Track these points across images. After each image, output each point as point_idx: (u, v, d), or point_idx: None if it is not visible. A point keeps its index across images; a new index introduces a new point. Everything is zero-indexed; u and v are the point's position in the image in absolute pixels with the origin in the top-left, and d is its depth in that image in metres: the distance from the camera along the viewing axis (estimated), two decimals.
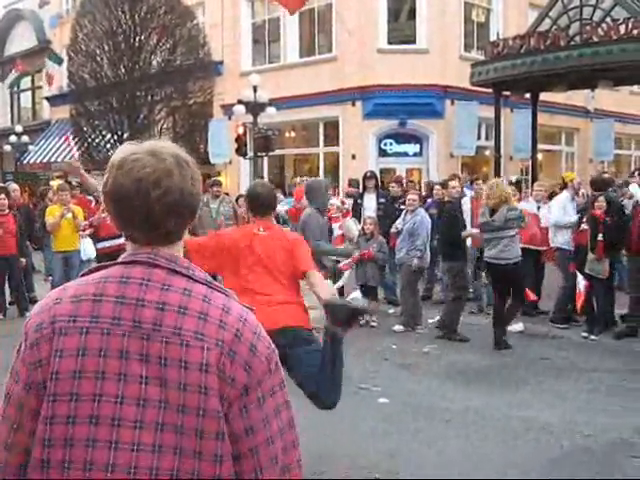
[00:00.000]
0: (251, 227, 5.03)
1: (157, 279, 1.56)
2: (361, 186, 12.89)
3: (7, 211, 11.08)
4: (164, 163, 1.59)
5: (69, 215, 11.07)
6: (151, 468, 1.45)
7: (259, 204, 5.02)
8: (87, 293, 1.56)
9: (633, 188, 11.58)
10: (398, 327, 9.96)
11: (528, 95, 18.47)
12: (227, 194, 13.53)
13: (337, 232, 10.56)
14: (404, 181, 14.81)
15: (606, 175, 12.35)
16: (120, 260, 1.64)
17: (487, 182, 10.26)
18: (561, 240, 10.02)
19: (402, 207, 11.22)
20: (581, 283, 9.10)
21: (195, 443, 1.46)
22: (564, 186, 12.12)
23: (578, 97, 22.00)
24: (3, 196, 11.20)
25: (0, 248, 10.77)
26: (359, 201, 12.21)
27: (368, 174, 12.53)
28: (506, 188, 9.27)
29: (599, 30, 14.66)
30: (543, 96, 18.51)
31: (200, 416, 1.47)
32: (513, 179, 12.42)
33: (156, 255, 1.59)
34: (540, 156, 21.34)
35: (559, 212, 10.19)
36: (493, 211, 8.81)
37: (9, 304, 11.40)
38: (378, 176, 13.52)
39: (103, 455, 1.45)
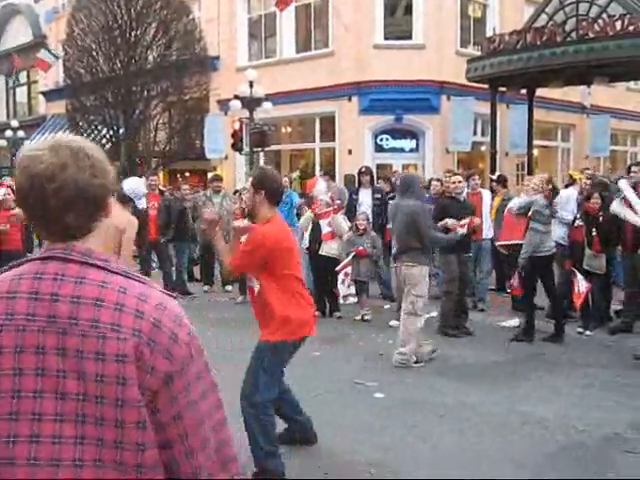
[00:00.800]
0: (284, 222, 5.09)
1: (71, 273, 1.55)
2: (357, 182, 12.91)
3: (14, 206, 11.06)
4: (58, 157, 1.55)
5: None
6: (74, 459, 1.46)
7: (280, 194, 5.07)
8: (1, 291, 1.55)
9: (622, 184, 11.55)
10: (394, 322, 9.95)
11: (524, 91, 18.48)
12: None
13: (326, 229, 10.55)
14: (393, 178, 14.83)
15: (604, 179, 12.33)
16: (36, 256, 1.62)
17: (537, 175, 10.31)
18: (557, 235, 10.01)
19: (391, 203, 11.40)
20: (582, 284, 9.05)
21: (116, 433, 1.47)
22: (571, 182, 12.10)
23: (574, 93, 22.02)
24: (9, 191, 11.19)
25: (7, 243, 10.77)
26: (354, 196, 12.21)
27: (363, 169, 12.54)
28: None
29: (595, 26, 14.66)
30: (539, 92, 18.51)
31: (119, 406, 1.47)
32: (494, 176, 12.42)
33: (70, 250, 1.58)
34: (536, 152, 21.36)
35: (561, 205, 10.19)
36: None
37: None
38: (374, 172, 13.54)
39: (24, 450, 1.46)
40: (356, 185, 12.86)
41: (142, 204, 11.30)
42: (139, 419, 1.48)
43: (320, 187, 11.37)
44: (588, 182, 11.12)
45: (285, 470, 4.82)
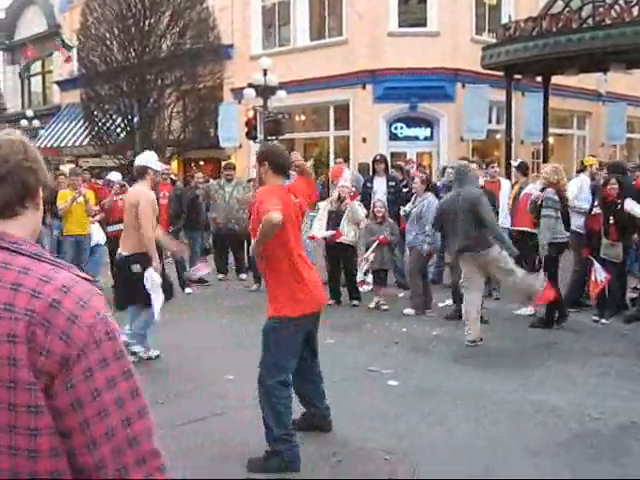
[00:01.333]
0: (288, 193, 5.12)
1: None
2: (371, 169, 12.90)
3: None
4: None
5: (80, 199, 11.13)
6: None
7: (286, 166, 5.13)
8: None
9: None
10: (408, 310, 9.98)
11: (539, 78, 18.36)
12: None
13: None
14: (408, 166, 14.80)
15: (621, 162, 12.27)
16: None
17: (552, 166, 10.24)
18: (575, 224, 9.95)
19: (404, 190, 11.46)
20: (601, 273, 8.99)
21: (9, 417, 1.42)
22: (582, 169, 12.02)
23: (590, 80, 21.84)
24: None
25: None
26: (369, 184, 12.20)
27: (378, 157, 12.51)
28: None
29: (612, 12, 14.53)
30: (555, 79, 18.38)
31: (12, 389, 1.42)
32: (515, 163, 12.32)
33: None
34: (551, 140, 21.23)
35: (574, 194, 10.16)
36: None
37: None
38: (388, 160, 13.51)
39: None
40: (370, 173, 12.86)
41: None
42: (30, 402, 1.42)
43: (347, 175, 11.45)
44: (601, 171, 11.07)
45: (299, 456, 4.85)
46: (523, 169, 11.39)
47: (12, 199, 1.58)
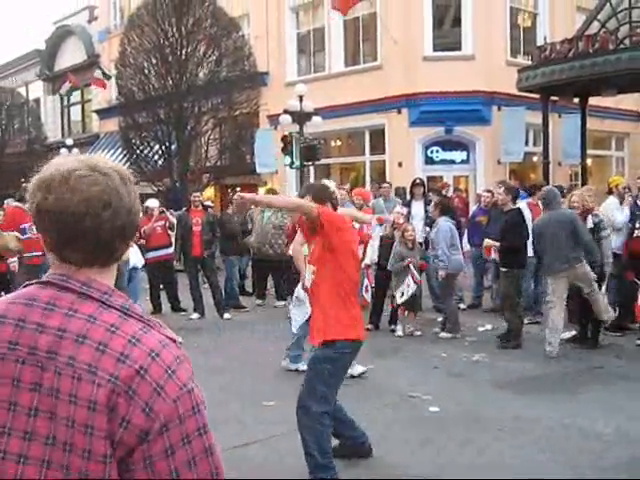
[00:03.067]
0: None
1: (64, 304, 1.43)
2: (409, 194, 12.90)
3: None
4: (111, 180, 1.46)
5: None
6: None
7: (326, 193, 5.29)
8: None
9: None
10: (444, 334, 9.93)
11: (576, 100, 18.23)
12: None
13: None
14: (445, 191, 14.77)
15: None
16: (39, 280, 1.50)
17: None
18: (614, 245, 9.85)
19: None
20: None
21: None
22: (610, 190, 11.88)
23: (628, 101, 21.61)
24: None
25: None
26: (406, 208, 12.21)
27: (417, 181, 12.52)
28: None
29: None
30: (592, 100, 18.24)
31: (85, 458, 1.33)
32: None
33: (69, 277, 1.46)
34: (589, 161, 21.01)
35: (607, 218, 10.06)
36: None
37: None
38: (425, 184, 13.51)
39: None
40: (408, 197, 12.86)
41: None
42: (104, 476, 1.33)
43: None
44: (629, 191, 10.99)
45: None
46: (560, 192, 11.32)
47: (124, 248, 1.52)
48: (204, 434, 1.42)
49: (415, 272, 10.01)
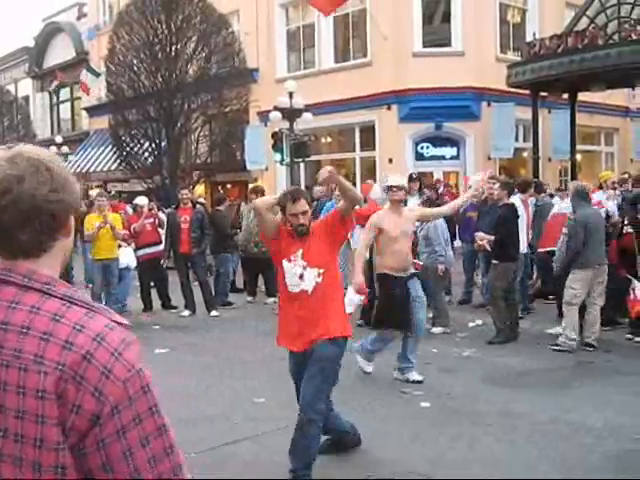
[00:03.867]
0: None
1: (6, 297, 1.42)
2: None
3: None
4: (17, 168, 1.44)
5: (107, 226, 11.23)
6: None
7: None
8: None
9: None
10: (435, 329, 9.95)
11: (566, 95, 18.28)
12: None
13: None
14: (439, 186, 14.78)
15: None
16: None
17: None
18: None
19: None
20: (639, 290, 8.92)
21: (34, 476, 1.34)
22: (600, 185, 11.94)
23: (617, 96, 21.67)
24: None
25: None
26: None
27: (414, 176, 12.52)
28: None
29: (638, 28, 14.46)
30: (581, 96, 18.30)
31: (37, 447, 1.33)
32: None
33: (10, 271, 1.45)
34: (579, 157, 21.09)
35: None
36: None
37: None
38: (421, 179, 13.52)
39: None
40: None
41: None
42: (57, 463, 1.34)
43: (377, 189, 11.46)
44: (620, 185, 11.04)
45: None
46: (536, 187, 11.45)
47: (42, 237, 1.48)
48: (155, 413, 1.42)
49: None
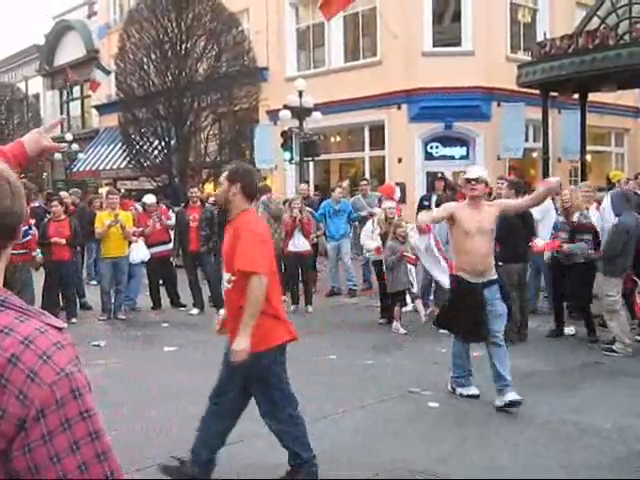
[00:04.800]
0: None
1: None
2: (430, 187, 12.98)
3: (63, 216, 11.35)
4: None
5: (117, 226, 11.28)
6: None
7: (256, 189, 4.96)
8: None
9: None
10: (443, 330, 9.92)
11: (576, 96, 18.22)
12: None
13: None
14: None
15: None
16: None
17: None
18: None
19: None
20: None
21: None
22: (611, 186, 11.85)
23: (627, 97, 21.60)
24: (56, 203, 11.48)
25: (55, 253, 11.01)
26: (425, 202, 12.26)
27: (439, 175, 12.62)
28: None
29: None
30: (591, 96, 18.24)
31: None
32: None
33: None
34: (589, 157, 21.02)
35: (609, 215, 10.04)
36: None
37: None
38: (424, 180, 13.56)
39: None
40: (426, 191, 12.93)
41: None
42: None
43: (398, 195, 11.53)
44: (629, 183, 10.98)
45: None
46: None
47: None
48: (88, 418, 1.38)
49: (410, 255, 10.00)
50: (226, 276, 4.67)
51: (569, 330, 9.63)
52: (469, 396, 6.90)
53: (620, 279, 8.78)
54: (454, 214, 6.65)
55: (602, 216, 9.59)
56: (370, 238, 10.75)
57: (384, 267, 10.27)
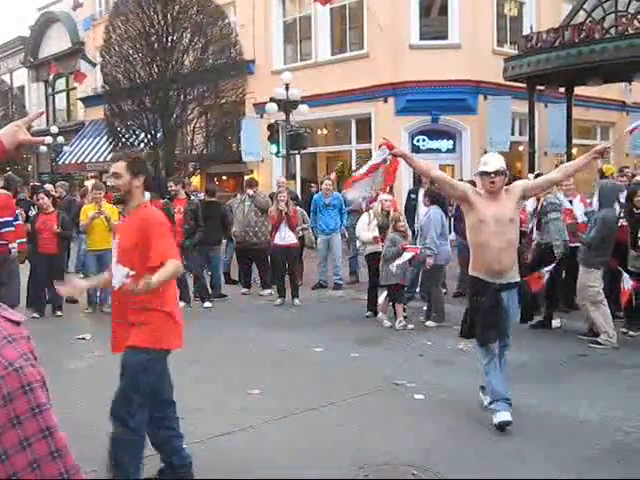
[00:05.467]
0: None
1: None
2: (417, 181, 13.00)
3: (51, 209, 11.28)
4: None
5: (102, 217, 11.21)
6: None
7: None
8: None
9: None
10: (430, 323, 9.96)
11: (562, 89, 18.27)
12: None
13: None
14: None
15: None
16: None
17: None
18: None
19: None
20: (628, 282, 8.93)
21: None
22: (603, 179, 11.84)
23: (613, 91, 21.70)
24: (42, 195, 11.41)
25: (42, 246, 10.94)
26: (413, 195, 12.26)
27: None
28: None
29: (635, 22, 14.44)
30: (578, 90, 18.29)
31: None
32: (533, 175, 12.28)
33: None
34: (575, 151, 21.06)
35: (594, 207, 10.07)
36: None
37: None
38: (411, 173, 13.57)
39: None
40: (413, 185, 12.93)
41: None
42: None
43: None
44: (622, 179, 10.99)
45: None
46: None
47: None
48: (39, 414, 1.33)
49: (413, 246, 9.96)
50: (123, 270, 4.37)
51: (555, 322, 9.67)
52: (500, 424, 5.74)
53: (600, 271, 8.82)
54: (468, 196, 5.82)
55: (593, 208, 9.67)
56: (366, 230, 10.69)
57: (382, 258, 10.11)
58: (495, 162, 5.89)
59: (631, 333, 9.13)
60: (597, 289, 8.75)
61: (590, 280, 8.75)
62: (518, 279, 5.94)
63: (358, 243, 12.02)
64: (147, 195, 4.76)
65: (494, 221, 5.66)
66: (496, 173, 5.74)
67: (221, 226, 12.87)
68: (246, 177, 16.62)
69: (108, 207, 11.59)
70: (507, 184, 5.97)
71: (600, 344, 8.60)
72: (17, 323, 1.40)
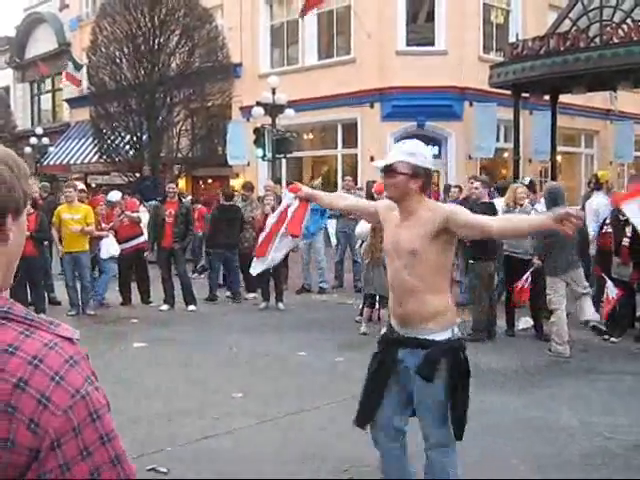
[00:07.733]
0: None
1: None
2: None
3: (31, 210, 11.14)
4: None
5: (77, 228, 11.18)
6: None
7: None
8: None
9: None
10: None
11: (547, 97, 18.38)
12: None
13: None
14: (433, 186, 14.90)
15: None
16: None
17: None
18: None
19: None
20: (612, 290, 8.99)
21: None
22: (598, 186, 11.83)
23: (598, 99, 21.86)
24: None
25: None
26: None
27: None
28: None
29: (619, 31, 14.54)
30: (562, 98, 18.40)
31: None
32: (526, 181, 12.31)
33: None
34: (559, 158, 21.23)
35: (592, 219, 10.14)
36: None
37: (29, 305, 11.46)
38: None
39: None
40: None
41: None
42: None
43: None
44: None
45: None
46: (532, 187, 11.42)
47: None
48: (108, 442, 1.23)
49: None
50: None
51: (524, 323, 9.85)
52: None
53: (560, 278, 8.71)
54: (380, 214, 4.09)
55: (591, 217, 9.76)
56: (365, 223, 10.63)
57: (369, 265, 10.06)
58: (395, 153, 3.91)
59: (613, 339, 9.20)
60: (551, 297, 8.71)
61: (548, 287, 8.79)
62: (441, 337, 3.85)
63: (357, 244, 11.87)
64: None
65: (393, 250, 3.89)
66: (388, 171, 3.75)
67: (239, 229, 12.81)
68: (234, 181, 16.64)
69: (82, 208, 11.55)
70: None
71: (550, 350, 8.63)
72: (72, 340, 1.29)
